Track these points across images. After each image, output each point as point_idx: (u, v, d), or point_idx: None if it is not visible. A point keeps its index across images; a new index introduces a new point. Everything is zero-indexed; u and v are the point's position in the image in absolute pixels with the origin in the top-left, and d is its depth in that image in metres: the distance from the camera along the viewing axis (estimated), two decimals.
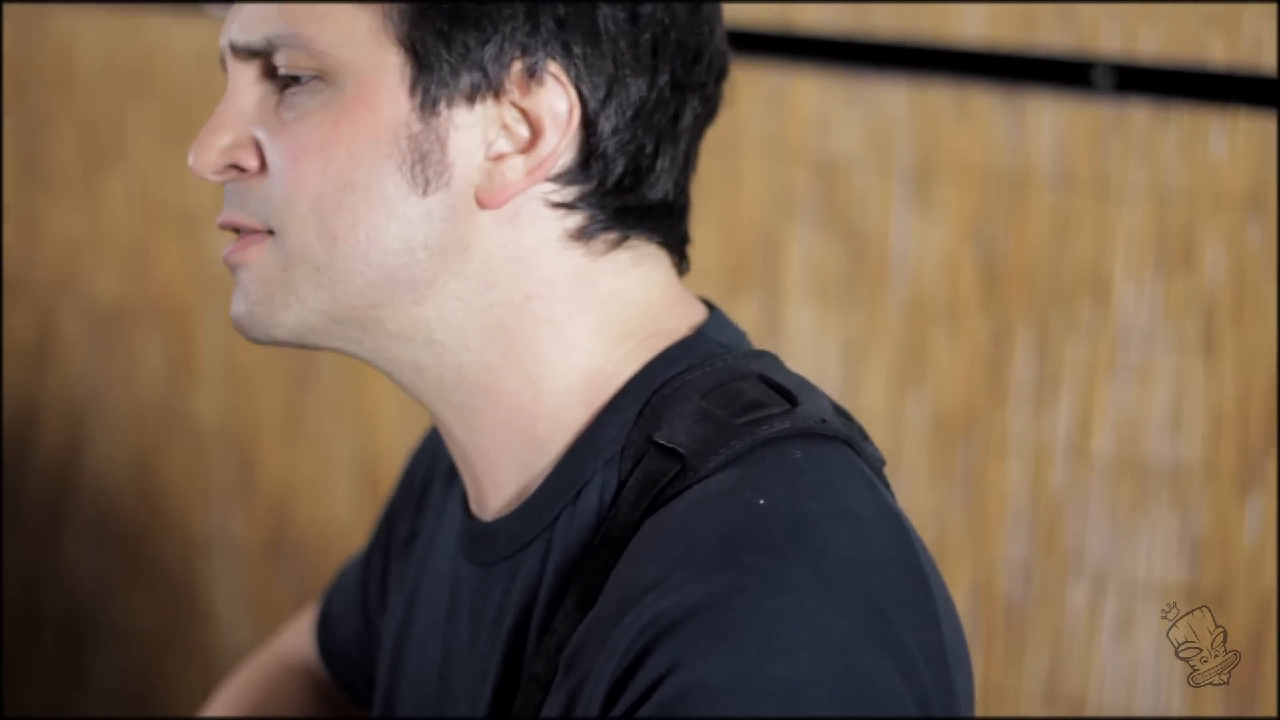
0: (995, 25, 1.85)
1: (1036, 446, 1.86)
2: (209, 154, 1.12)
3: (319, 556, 2.40)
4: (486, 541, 1.16)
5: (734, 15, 1.93)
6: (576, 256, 1.12)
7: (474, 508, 1.18)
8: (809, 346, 1.98)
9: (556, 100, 1.09)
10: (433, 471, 1.34)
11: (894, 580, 1.01)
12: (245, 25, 1.11)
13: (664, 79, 1.12)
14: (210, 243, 2.39)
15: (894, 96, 1.90)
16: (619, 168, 1.12)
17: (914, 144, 1.90)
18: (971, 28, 1.86)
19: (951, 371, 1.90)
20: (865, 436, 1.15)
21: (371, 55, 1.08)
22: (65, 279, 2.55)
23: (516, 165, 1.10)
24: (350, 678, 1.48)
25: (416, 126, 1.09)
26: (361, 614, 1.44)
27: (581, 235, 1.12)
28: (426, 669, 1.23)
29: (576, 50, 1.09)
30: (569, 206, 1.11)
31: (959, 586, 1.90)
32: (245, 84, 1.12)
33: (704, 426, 1.08)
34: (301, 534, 2.43)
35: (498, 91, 1.09)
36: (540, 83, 1.09)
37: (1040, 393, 1.85)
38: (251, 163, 1.11)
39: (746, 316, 1.99)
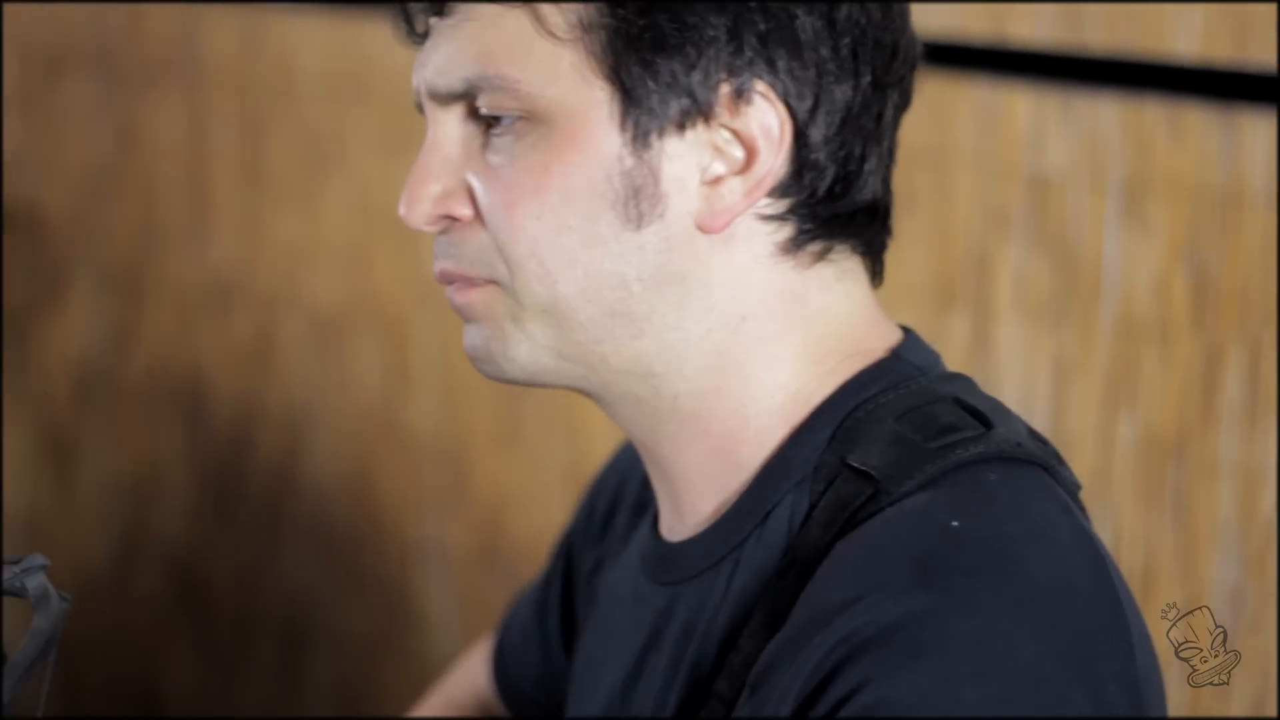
0: (1209, 42, 1.88)
1: (1248, 469, 1.88)
2: (422, 206, 1.15)
3: (531, 565, 2.48)
4: (674, 561, 1.20)
5: (946, 28, 1.99)
6: (787, 271, 1.15)
7: (664, 530, 1.22)
8: (1018, 365, 2.02)
9: (767, 117, 1.12)
10: (616, 503, 1.38)
11: (1087, 605, 1.03)
12: (442, 69, 1.14)
13: (866, 80, 1.14)
14: (427, 252, 2.48)
15: (1107, 112, 1.94)
16: (830, 175, 1.14)
17: (1126, 160, 1.93)
18: (1185, 44, 1.89)
19: (1162, 392, 1.93)
20: (1061, 460, 1.16)
21: (578, 92, 1.11)
22: (285, 285, 2.67)
23: (735, 187, 1.12)
24: (530, 712, 1.52)
25: (629, 162, 1.11)
26: (540, 647, 1.48)
27: (791, 248, 1.15)
28: (607, 691, 1.26)
29: (781, 64, 1.11)
30: (780, 219, 1.14)
31: None
32: (447, 129, 1.15)
33: (898, 449, 1.11)
34: (513, 543, 2.51)
35: (707, 116, 1.11)
36: (749, 102, 1.11)
37: (1253, 414, 1.88)
38: (465, 211, 1.15)
39: (956, 333, 2.04)
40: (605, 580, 1.34)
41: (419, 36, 1.17)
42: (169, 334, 2.82)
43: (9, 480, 2.96)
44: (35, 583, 1.08)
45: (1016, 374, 2.01)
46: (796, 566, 1.11)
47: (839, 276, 1.18)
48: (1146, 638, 1.10)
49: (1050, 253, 1.99)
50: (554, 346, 1.14)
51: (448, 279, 1.17)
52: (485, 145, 1.14)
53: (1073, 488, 1.16)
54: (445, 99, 1.15)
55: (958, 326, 2.05)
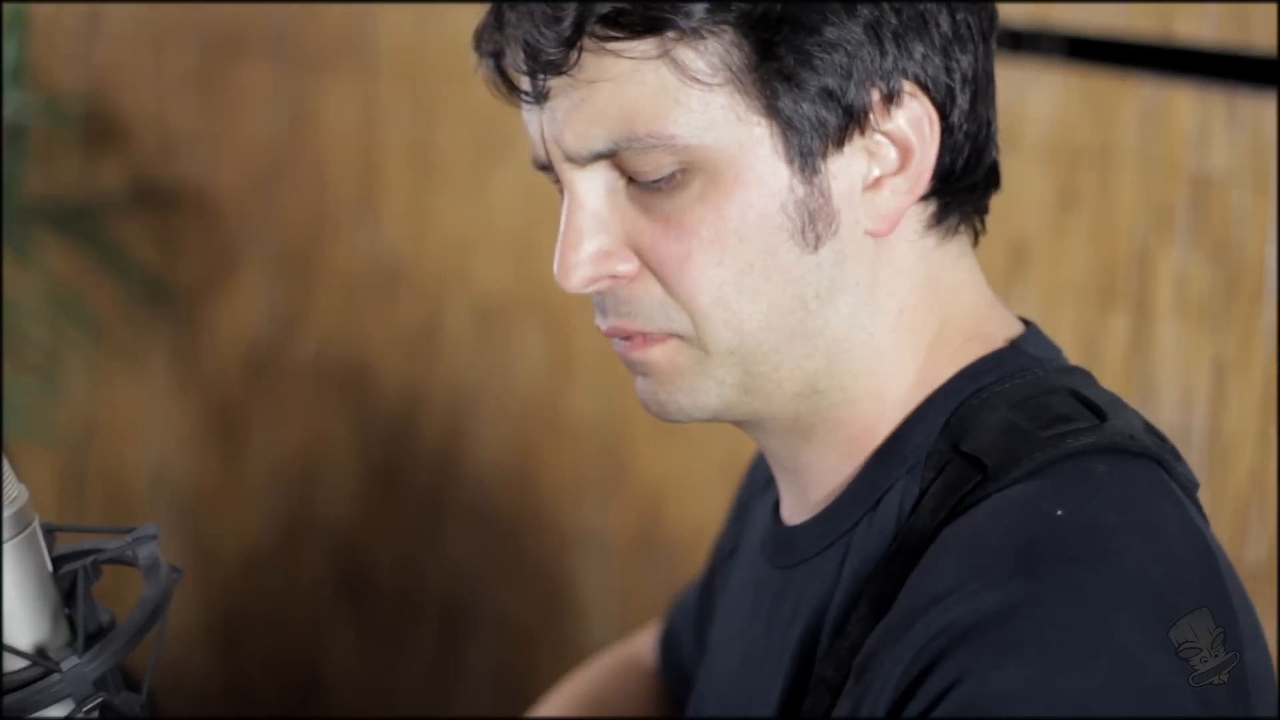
0: None
1: None
2: (581, 270, 1.15)
3: (688, 554, 2.53)
4: (788, 545, 1.24)
5: (1112, 26, 2.01)
6: (929, 251, 1.18)
7: (784, 513, 1.26)
8: (1178, 366, 2.03)
9: (915, 113, 1.14)
10: (753, 486, 1.43)
11: (1191, 598, 1.03)
12: (581, 134, 1.13)
13: (980, 47, 1.17)
14: None
15: (1272, 112, 1.95)
16: (968, 146, 1.18)
17: None
18: None
19: None
20: (1178, 457, 1.17)
21: (735, 133, 1.12)
22: (452, 271, 2.74)
23: (897, 186, 1.15)
24: (687, 693, 1.55)
25: (801, 191, 1.13)
26: (695, 632, 1.53)
27: (934, 222, 1.18)
28: (726, 672, 1.31)
29: (918, 54, 1.14)
30: (925, 199, 1.18)
31: None
32: (590, 186, 1.15)
33: (1009, 438, 1.13)
34: (671, 532, 2.56)
35: (862, 125, 1.14)
36: (899, 104, 1.14)
37: None
38: (627, 268, 1.15)
39: (1116, 331, 2.06)
40: (735, 563, 1.39)
41: (529, 97, 1.16)
42: (337, 317, 2.90)
43: (178, 457, 3.06)
44: (146, 553, 1.14)
45: (1175, 375, 2.03)
46: (904, 553, 1.13)
47: (962, 252, 1.21)
48: (1260, 639, 1.11)
49: (1212, 253, 2.00)
50: (740, 383, 1.16)
51: (621, 334, 1.18)
52: (638, 197, 1.14)
53: (1189, 485, 1.16)
54: (584, 160, 1.15)
55: (1118, 326, 2.07)
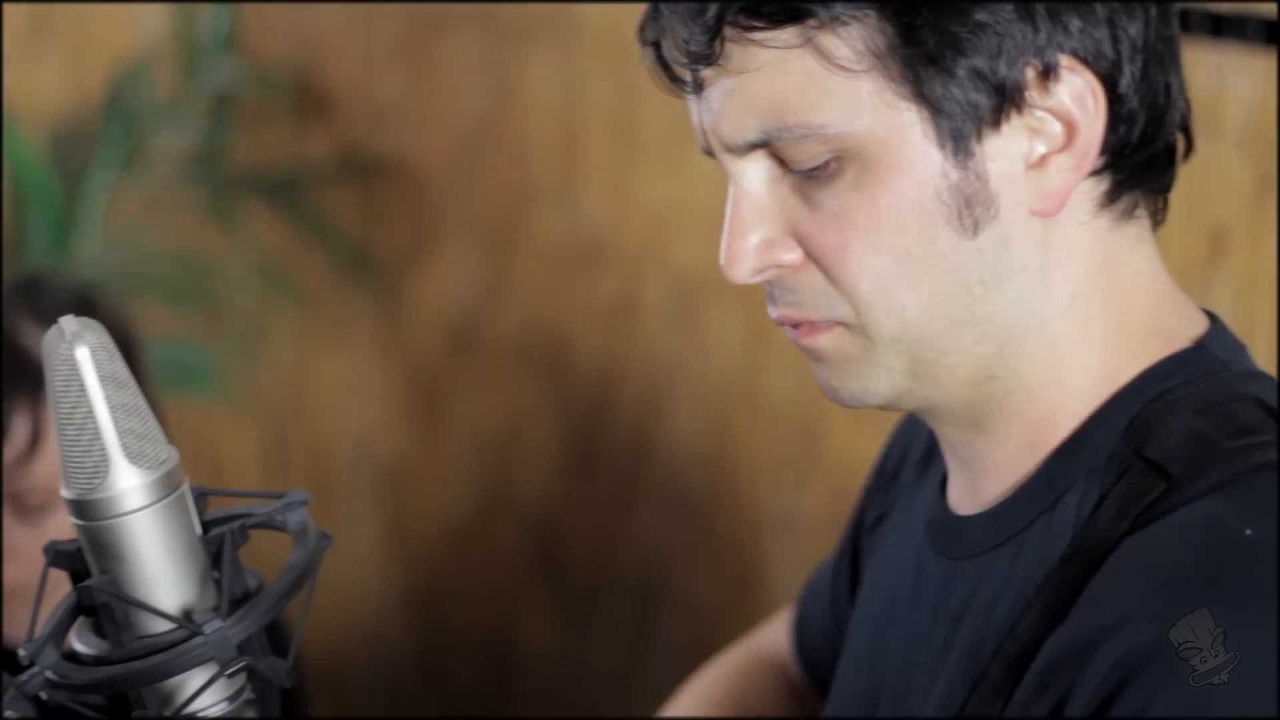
0: None
1: None
2: (746, 260, 1.15)
3: None
4: (958, 536, 1.22)
5: None
6: (1103, 231, 1.16)
7: (952, 500, 1.24)
8: None
9: (1077, 86, 1.12)
10: (905, 456, 1.40)
11: None
12: (735, 124, 1.14)
13: (1152, 10, 1.14)
14: None
15: None
16: (1143, 117, 1.15)
17: None
18: None
19: None
20: None
21: (885, 119, 1.11)
22: (652, 247, 2.75)
23: (1062, 164, 1.13)
24: (824, 676, 1.53)
25: (955, 175, 1.12)
26: (832, 612, 1.51)
27: (1107, 200, 1.16)
28: (881, 655, 1.29)
29: (1074, 26, 1.11)
30: (1097, 174, 1.15)
31: None
32: (751, 176, 1.15)
33: (1194, 446, 1.11)
34: None
35: (1019, 104, 1.12)
36: (1057, 79, 1.12)
37: None
38: (791, 257, 1.15)
39: None
40: (888, 536, 1.37)
41: (689, 86, 1.17)
42: (537, 291, 2.92)
43: (380, 429, 3.10)
44: (296, 518, 1.15)
45: None
46: (1081, 558, 1.11)
47: (1140, 237, 1.18)
48: None
49: None
50: (909, 370, 1.16)
51: (789, 323, 1.18)
52: (798, 186, 1.15)
53: None
54: (742, 150, 1.15)
55: None
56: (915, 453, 1.39)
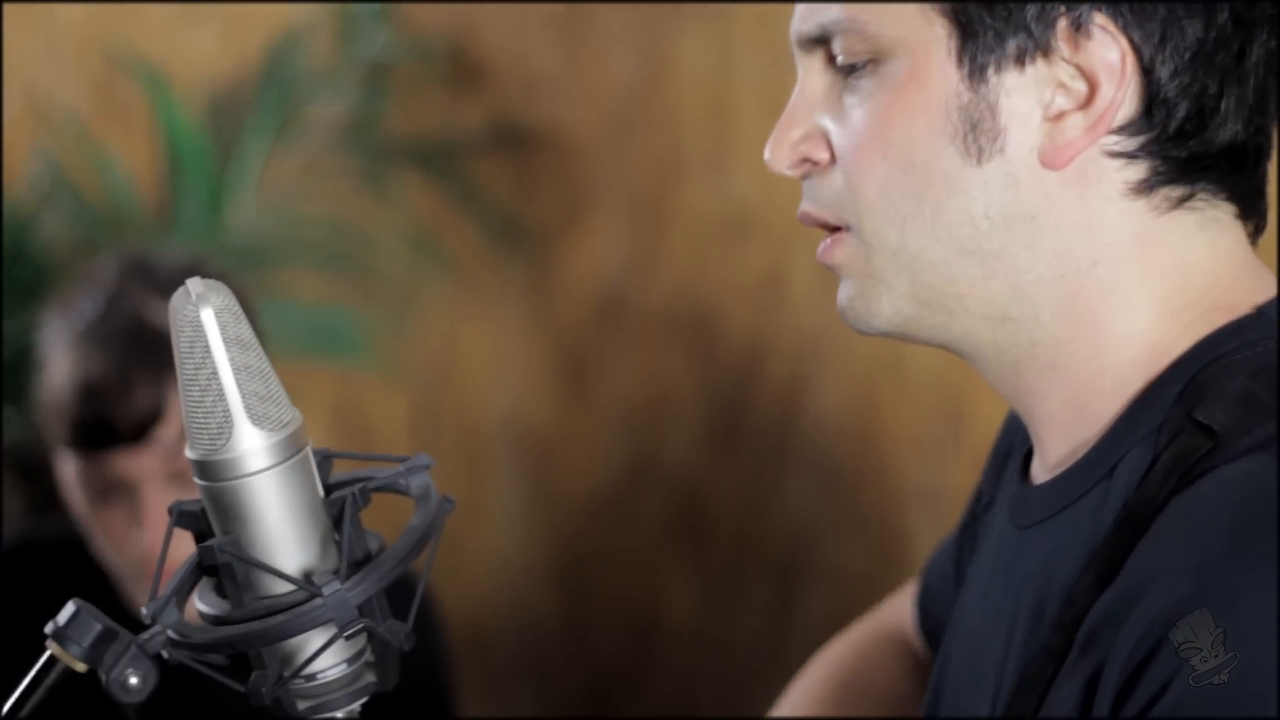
0: None
1: None
2: (783, 150, 1.20)
3: None
4: (1027, 506, 1.23)
5: None
6: (1141, 214, 1.17)
7: (1033, 470, 1.25)
8: None
9: (1108, 51, 1.14)
10: (1013, 443, 1.38)
11: None
12: (805, 15, 1.20)
13: (1223, 17, 1.15)
14: None
15: None
16: (1181, 111, 1.15)
17: None
18: None
19: None
20: None
21: (919, 31, 1.16)
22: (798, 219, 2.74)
23: (1076, 122, 1.15)
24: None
25: (966, 96, 1.15)
26: (955, 586, 1.50)
27: (1144, 188, 1.17)
28: (968, 629, 1.30)
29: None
30: (1130, 156, 1.16)
31: None
32: (811, 75, 1.20)
33: (1243, 406, 1.11)
34: None
35: (1046, 51, 1.14)
36: (1088, 36, 1.14)
37: None
38: (822, 155, 1.20)
39: None
40: (991, 519, 1.37)
41: None
42: (686, 262, 2.92)
43: (529, 398, 3.11)
44: (418, 482, 1.15)
45: None
46: (1132, 521, 1.12)
47: (1202, 225, 1.18)
48: None
49: None
50: (911, 293, 1.18)
51: (806, 220, 1.22)
52: (839, 89, 1.19)
53: None
54: (808, 45, 1.20)
55: None
56: (1022, 434, 1.39)
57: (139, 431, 1.93)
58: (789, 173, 1.21)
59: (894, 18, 1.16)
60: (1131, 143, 1.16)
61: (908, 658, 1.61)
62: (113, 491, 1.96)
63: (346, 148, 3.04)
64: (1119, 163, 1.16)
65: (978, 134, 1.16)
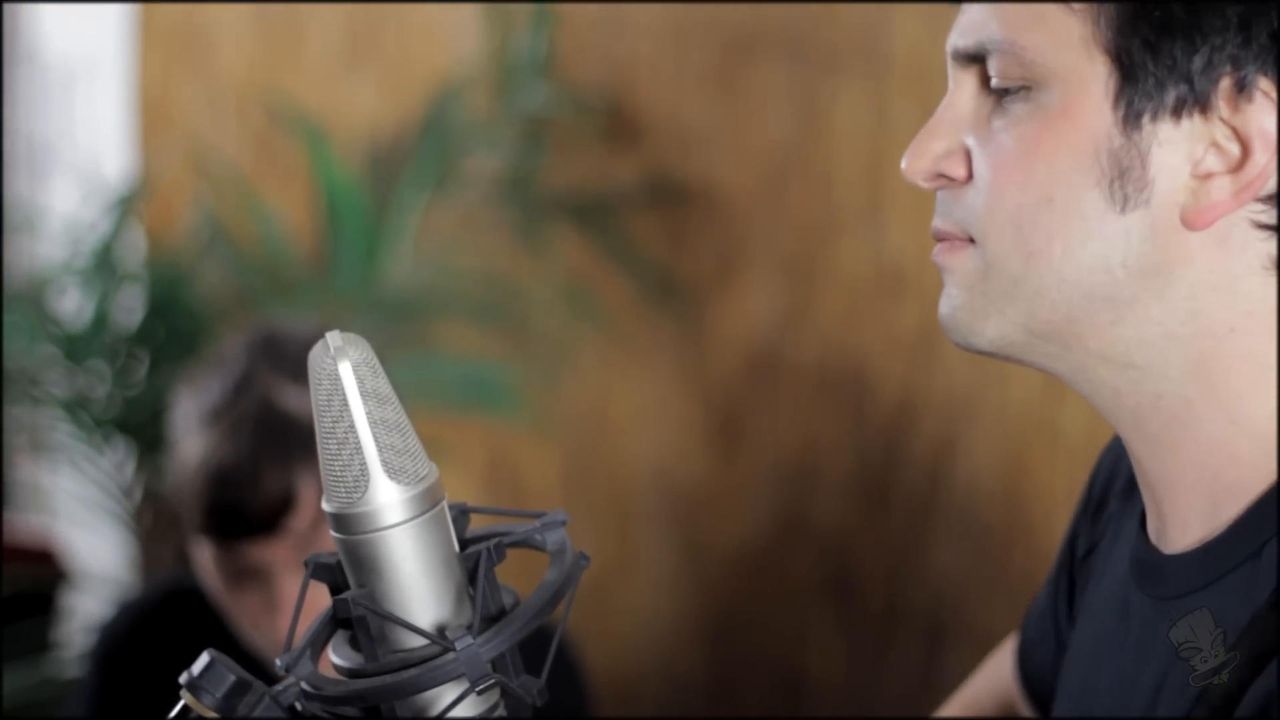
0: None
1: None
2: (922, 161, 1.18)
3: None
4: (1162, 575, 1.20)
5: None
6: (1275, 286, 1.14)
7: (1152, 535, 1.22)
8: None
9: (1266, 118, 1.11)
10: (1111, 483, 1.37)
11: None
12: (965, 30, 1.18)
13: None
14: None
15: None
16: None
17: None
18: None
19: None
20: None
21: (1079, 65, 1.13)
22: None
23: (1223, 185, 1.12)
24: (1047, 701, 1.50)
25: (1118, 141, 1.13)
26: (1054, 637, 1.48)
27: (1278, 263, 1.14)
28: (1092, 693, 1.28)
29: None
30: (1273, 229, 1.13)
31: None
32: (963, 90, 1.19)
33: None
34: None
35: (1205, 107, 1.12)
36: (1249, 99, 1.11)
37: None
38: (959, 172, 1.18)
39: None
40: (1097, 568, 1.35)
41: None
42: (838, 319, 2.91)
43: (678, 452, 3.11)
44: (554, 538, 1.15)
45: None
46: None
47: None
48: None
49: None
50: (1023, 323, 1.16)
51: (936, 235, 1.20)
52: (989, 109, 1.17)
53: None
54: (964, 60, 1.18)
55: None
56: (1119, 481, 1.37)
57: (270, 521, 1.89)
58: (924, 184, 1.19)
59: (1056, 47, 1.14)
60: (1275, 215, 1.14)
61: (1010, 716, 1.58)
62: (247, 578, 1.93)
63: (503, 201, 3.06)
64: (1263, 234, 1.14)
65: (1125, 181, 1.13)
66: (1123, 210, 1.13)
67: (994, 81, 1.16)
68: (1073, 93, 1.14)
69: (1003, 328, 1.17)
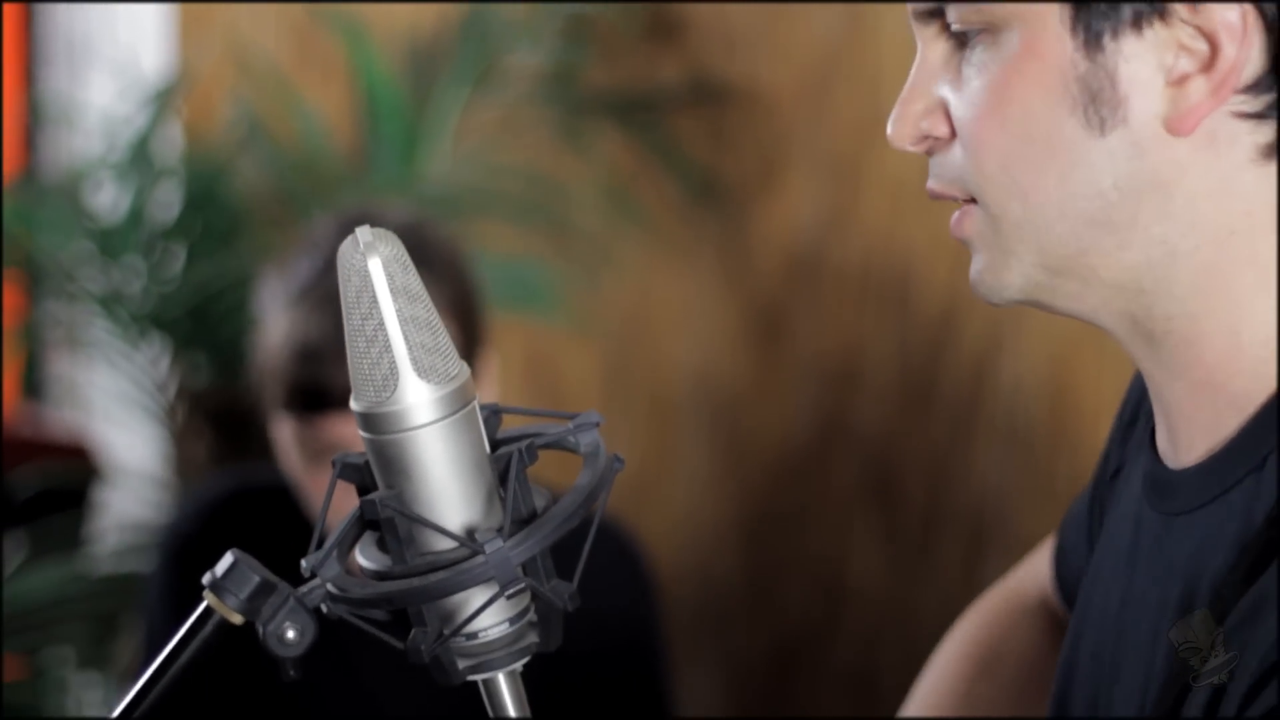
0: None
1: None
2: (905, 125, 1.17)
3: None
4: (1168, 491, 1.19)
5: None
6: (1271, 178, 1.12)
7: (1162, 452, 1.21)
8: None
9: (1226, 11, 1.09)
10: (1140, 406, 1.34)
11: None
12: None
13: None
14: None
15: None
16: None
17: None
18: None
19: None
20: None
21: (1031, 3, 1.12)
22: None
23: (1199, 85, 1.10)
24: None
25: (1083, 66, 1.11)
26: (1088, 543, 1.45)
27: (1274, 151, 1.12)
28: (1106, 612, 1.26)
29: None
30: (1260, 117, 1.11)
31: None
32: (932, 48, 1.17)
33: None
34: None
35: (1163, 13, 1.10)
36: None
37: None
38: (942, 129, 1.16)
39: None
40: (1119, 488, 1.32)
41: None
42: (883, 221, 2.88)
43: (719, 354, 3.09)
44: (588, 439, 1.12)
45: None
46: None
47: None
48: None
49: None
50: (1040, 263, 1.15)
51: (934, 196, 1.20)
52: (957, 62, 1.15)
53: None
54: (925, 18, 1.16)
55: None
56: (1148, 403, 1.35)
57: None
58: (911, 148, 1.18)
59: None
60: (1259, 102, 1.11)
61: (1045, 620, 1.56)
62: (326, 455, 1.95)
63: (544, 99, 3.03)
64: (1249, 125, 1.12)
65: (1098, 104, 1.12)
66: (1102, 132, 1.12)
67: (954, 28, 1.14)
68: (1031, 29, 1.12)
69: (1024, 273, 1.16)
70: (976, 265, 1.18)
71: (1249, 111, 1.12)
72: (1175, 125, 1.12)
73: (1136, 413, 1.35)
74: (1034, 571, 1.59)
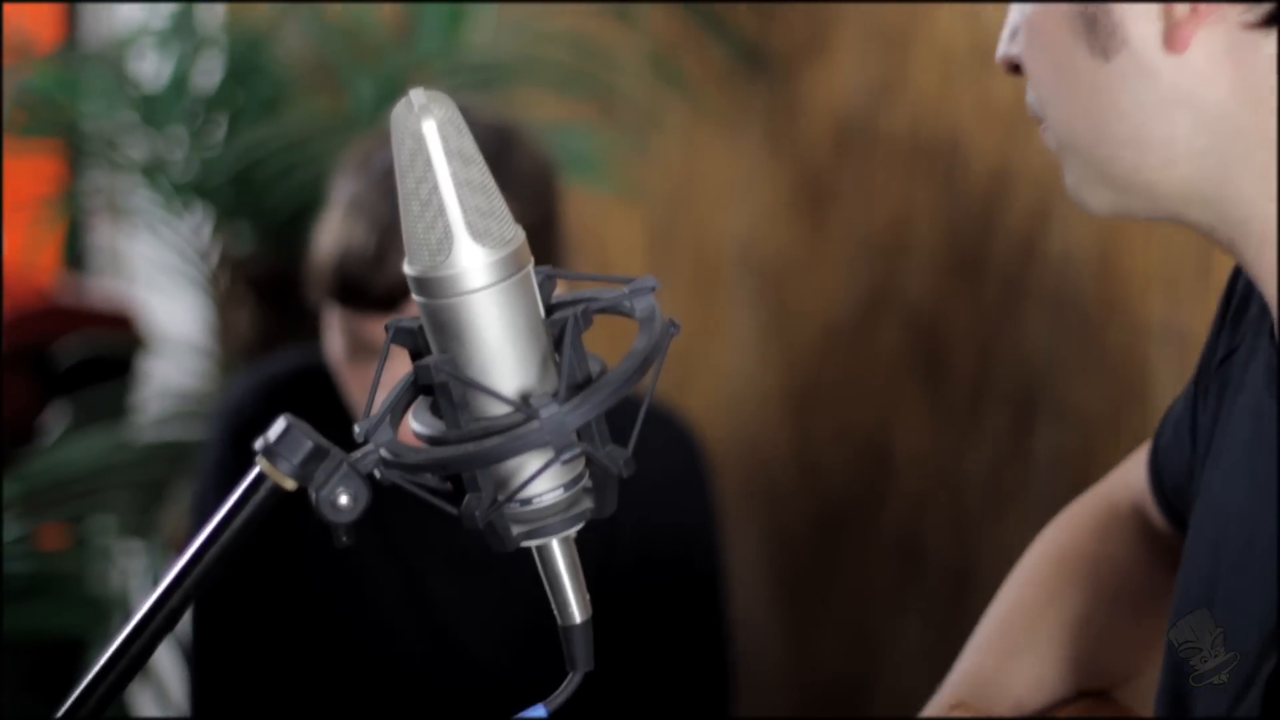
0: None
1: None
2: (1000, 47, 1.24)
3: None
4: None
5: None
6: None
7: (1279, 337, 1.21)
8: None
9: None
10: (1250, 292, 1.34)
11: None
12: None
13: None
14: None
15: None
16: None
17: None
18: None
19: None
20: None
21: None
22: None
23: (1182, 3, 1.14)
24: (1182, 512, 1.47)
25: None
26: (1190, 442, 1.44)
27: (1265, 22, 1.14)
28: (1230, 503, 1.25)
29: None
30: (1264, 25, 1.14)
31: None
32: None
33: None
34: None
35: None
36: None
37: None
38: (1018, 51, 1.23)
39: None
40: (1235, 375, 1.32)
41: None
42: (932, 89, 2.85)
43: (765, 224, 3.07)
44: (644, 304, 1.12)
45: None
46: None
47: None
48: None
49: None
50: (1107, 184, 1.19)
51: (1033, 114, 1.25)
52: None
53: None
54: None
55: None
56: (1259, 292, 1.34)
57: (390, 301, 1.93)
58: (1008, 73, 1.25)
59: None
60: (1258, 12, 1.14)
61: (1140, 532, 1.54)
62: (364, 350, 1.98)
63: None
64: (1262, 33, 1.14)
65: (1097, 31, 1.16)
66: (1106, 57, 1.16)
67: None
68: None
69: (1098, 194, 1.21)
70: (1066, 181, 1.24)
71: (1252, 21, 1.14)
72: (1170, 43, 1.15)
73: (1248, 297, 1.35)
74: (1125, 480, 1.57)
